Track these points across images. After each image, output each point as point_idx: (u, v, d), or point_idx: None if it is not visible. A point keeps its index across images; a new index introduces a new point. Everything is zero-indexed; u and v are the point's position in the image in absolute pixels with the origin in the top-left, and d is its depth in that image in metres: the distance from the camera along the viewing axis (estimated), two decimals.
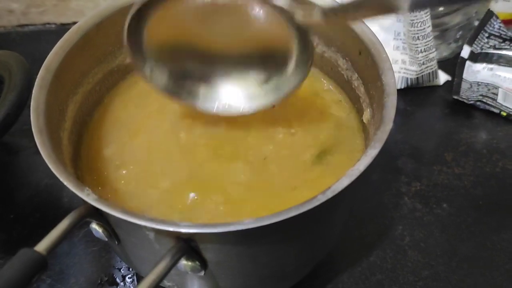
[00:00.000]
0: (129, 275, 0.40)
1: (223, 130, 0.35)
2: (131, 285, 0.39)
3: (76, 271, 0.41)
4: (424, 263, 0.40)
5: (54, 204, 0.46)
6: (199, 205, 0.32)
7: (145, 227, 0.25)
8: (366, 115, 0.33)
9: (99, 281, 0.40)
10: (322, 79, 0.39)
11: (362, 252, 0.41)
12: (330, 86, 0.38)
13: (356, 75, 0.35)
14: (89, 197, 0.25)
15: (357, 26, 0.34)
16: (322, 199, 0.24)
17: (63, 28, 0.62)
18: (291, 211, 0.24)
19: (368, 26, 0.33)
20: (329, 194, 0.25)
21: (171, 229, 0.24)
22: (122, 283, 0.40)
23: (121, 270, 0.40)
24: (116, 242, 0.29)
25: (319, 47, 0.38)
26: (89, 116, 0.37)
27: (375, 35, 0.33)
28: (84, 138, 0.36)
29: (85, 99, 0.36)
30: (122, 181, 0.33)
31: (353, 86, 0.36)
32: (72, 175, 0.27)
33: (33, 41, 0.61)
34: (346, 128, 0.36)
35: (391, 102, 0.29)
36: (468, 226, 0.42)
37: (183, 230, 0.24)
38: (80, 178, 0.34)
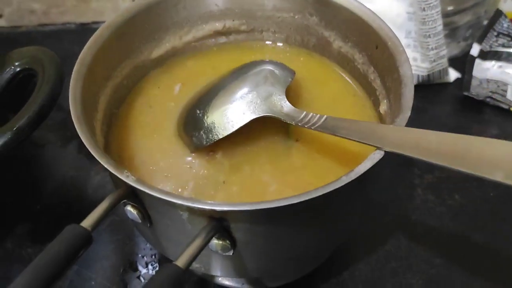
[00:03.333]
0: (152, 262, 0.42)
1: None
2: (153, 272, 0.41)
3: (101, 258, 0.42)
4: (437, 252, 0.41)
5: (79, 195, 0.48)
6: (227, 193, 0.33)
7: (180, 206, 0.26)
8: (383, 106, 0.35)
9: (123, 268, 0.42)
10: (339, 73, 0.40)
11: (378, 241, 0.42)
12: (347, 79, 0.40)
13: (372, 68, 0.37)
14: (129, 179, 0.27)
15: (374, 22, 0.35)
16: (345, 180, 0.26)
17: (83, 28, 0.64)
18: (318, 191, 0.26)
19: (385, 22, 0.35)
20: (353, 176, 0.26)
21: (206, 207, 0.25)
22: (145, 270, 0.41)
23: (144, 257, 0.42)
24: (148, 225, 0.31)
25: (336, 43, 0.40)
26: (117, 109, 0.39)
27: (391, 30, 0.34)
28: (112, 129, 0.38)
29: (114, 92, 0.38)
30: (149, 174, 0.35)
31: (369, 80, 0.37)
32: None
33: (54, 40, 0.62)
34: (363, 119, 0.37)
35: (409, 92, 0.30)
36: (480, 217, 0.43)
37: (217, 208, 0.25)
38: None
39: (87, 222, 0.25)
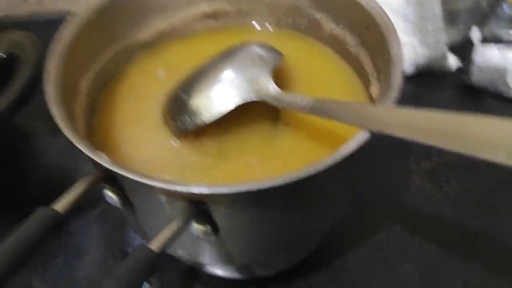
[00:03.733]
0: None
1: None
2: None
3: (90, 247, 0.42)
4: (432, 240, 0.40)
5: (67, 185, 0.47)
6: (213, 179, 0.32)
7: (156, 188, 0.25)
8: (374, 88, 0.34)
9: (112, 257, 0.41)
10: (331, 56, 0.39)
11: (371, 230, 0.41)
12: (339, 62, 0.39)
13: (364, 50, 0.35)
14: (103, 160, 0.26)
15: (364, 2, 0.34)
16: (329, 161, 0.25)
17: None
18: (300, 172, 0.24)
19: (375, 1, 0.34)
20: (337, 157, 0.25)
21: (181, 189, 0.24)
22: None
23: (134, 246, 0.41)
24: (129, 210, 0.30)
25: (327, 25, 0.38)
26: (100, 93, 0.38)
27: (382, 9, 0.33)
28: (96, 115, 0.37)
29: (97, 77, 0.37)
30: (133, 160, 0.34)
31: (361, 62, 0.36)
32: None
33: (47, 29, 0.61)
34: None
35: (398, 72, 0.29)
36: (477, 203, 0.42)
37: (194, 191, 0.24)
38: None
39: (59, 205, 0.25)
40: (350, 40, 0.37)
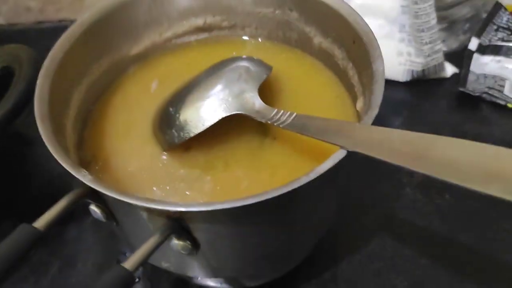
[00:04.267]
0: None
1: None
2: None
3: (84, 255, 0.42)
4: (423, 252, 0.40)
5: (66, 192, 0.48)
6: (200, 191, 0.33)
7: (136, 206, 0.26)
8: (359, 103, 0.34)
9: (106, 265, 0.41)
10: (320, 69, 0.39)
11: (362, 241, 0.41)
12: (327, 76, 0.39)
13: (351, 64, 0.36)
14: (85, 178, 0.26)
15: (350, 17, 0.34)
16: (304, 180, 0.25)
17: None
18: (273, 192, 0.25)
19: (361, 17, 0.34)
20: (312, 176, 0.25)
21: (159, 207, 0.25)
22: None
23: (126, 254, 0.42)
24: (115, 223, 0.31)
25: (316, 38, 0.39)
26: (93, 105, 0.38)
27: (367, 25, 0.33)
28: (88, 127, 0.37)
29: (90, 88, 0.37)
30: (123, 172, 0.35)
31: (348, 75, 0.36)
32: (71, 159, 0.29)
33: (50, 38, 0.62)
34: (342, 116, 0.36)
35: (379, 89, 0.29)
36: (469, 216, 0.42)
37: (170, 209, 0.25)
38: (86, 166, 0.35)
39: (40, 222, 0.25)
40: (338, 54, 0.37)
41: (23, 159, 0.51)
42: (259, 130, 0.36)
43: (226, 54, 0.40)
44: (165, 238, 0.26)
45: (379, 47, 0.32)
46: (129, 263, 0.24)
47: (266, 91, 0.37)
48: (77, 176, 0.26)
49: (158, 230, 0.26)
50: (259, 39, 0.42)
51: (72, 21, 0.63)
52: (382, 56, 0.31)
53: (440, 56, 0.52)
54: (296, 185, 0.25)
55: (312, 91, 0.39)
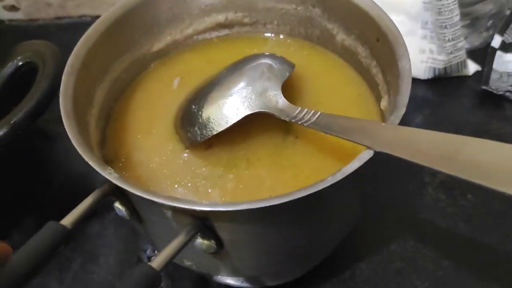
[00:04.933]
0: (154, 257, 0.41)
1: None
2: None
3: (105, 251, 0.43)
4: (446, 253, 0.40)
5: (87, 189, 0.47)
6: (222, 189, 0.33)
7: (162, 205, 0.26)
8: (384, 102, 0.34)
9: (126, 261, 0.42)
10: (342, 67, 0.39)
11: (383, 240, 0.41)
12: (350, 73, 0.39)
13: (375, 62, 0.35)
14: (111, 176, 0.26)
15: (375, 14, 0.34)
16: (331, 181, 0.25)
17: None
18: (299, 192, 0.25)
19: (386, 13, 0.34)
20: (339, 176, 0.25)
21: (185, 206, 0.25)
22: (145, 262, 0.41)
23: (147, 251, 0.42)
24: (138, 221, 0.31)
25: (339, 35, 0.38)
26: (115, 103, 0.38)
27: (393, 22, 0.33)
28: (110, 124, 0.38)
29: (112, 86, 0.38)
30: (145, 169, 0.35)
31: (372, 74, 0.36)
32: (97, 156, 0.29)
33: (70, 33, 0.63)
34: (364, 115, 0.36)
35: (406, 88, 0.29)
36: (493, 218, 0.41)
37: (197, 208, 0.25)
38: (109, 163, 0.35)
39: (67, 220, 0.25)
40: (362, 51, 0.37)
41: (44, 155, 0.51)
42: (281, 128, 0.36)
43: (247, 51, 0.40)
44: (191, 238, 0.26)
45: (405, 45, 0.31)
46: (156, 262, 0.24)
47: (287, 89, 0.37)
48: (103, 174, 0.27)
49: (184, 229, 0.26)
50: (281, 36, 0.42)
51: (92, 17, 0.65)
52: (408, 54, 0.31)
53: (462, 54, 0.51)
54: (323, 185, 0.25)
55: (334, 89, 0.39)
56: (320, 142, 0.34)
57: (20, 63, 0.39)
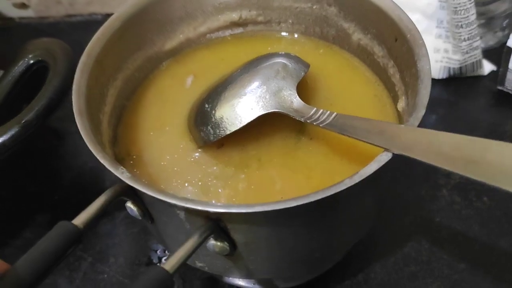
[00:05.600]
0: (165, 257, 0.41)
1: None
2: None
3: (115, 251, 0.42)
4: (461, 257, 0.39)
5: (97, 186, 0.48)
6: (234, 190, 0.32)
7: (175, 205, 0.25)
8: (401, 103, 0.33)
9: (137, 262, 0.41)
10: (358, 66, 0.38)
11: (397, 243, 0.40)
12: (366, 73, 0.38)
13: (392, 62, 0.34)
14: (123, 175, 0.26)
15: (393, 13, 0.33)
16: (348, 183, 0.24)
17: (108, 18, 0.64)
18: (316, 195, 0.24)
19: (405, 12, 0.33)
20: (356, 179, 0.25)
21: (199, 207, 0.24)
22: (158, 264, 0.41)
23: (157, 252, 0.42)
24: (150, 221, 0.30)
25: (355, 35, 0.38)
26: (127, 101, 0.38)
27: (412, 21, 0.32)
28: (122, 122, 0.37)
29: (125, 84, 0.37)
30: (156, 167, 0.34)
31: (388, 74, 0.35)
32: (109, 154, 0.29)
33: (80, 31, 0.63)
34: (380, 116, 0.35)
35: (425, 89, 0.28)
36: (509, 220, 0.41)
37: (211, 209, 0.24)
38: (120, 160, 0.35)
39: (79, 220, 0.25)
40: (378, 51, 0.36)
41: (55, 153, 0.51)
42: (294, 128, 0.35)
43: (261, 49, 0.39)
44: (204, 240, 0.25)
45: (425, 45, 0.30)
46: (169, 264, 0.23)
47: (301, 88, 0.36)
48: (115, 173, 0.26)
49: (197, 231, 0.25)
50: (295, 35, 0.42)
51: (102, 15, 0.65)
52: (428, 55, 0.30)
53: (478, 53, 0.50)
54: (340, 187, 0.24)
55: (349, 89, 0.38)
56: (333, 144, 0.34)
57: (31, 61, 0.39)
